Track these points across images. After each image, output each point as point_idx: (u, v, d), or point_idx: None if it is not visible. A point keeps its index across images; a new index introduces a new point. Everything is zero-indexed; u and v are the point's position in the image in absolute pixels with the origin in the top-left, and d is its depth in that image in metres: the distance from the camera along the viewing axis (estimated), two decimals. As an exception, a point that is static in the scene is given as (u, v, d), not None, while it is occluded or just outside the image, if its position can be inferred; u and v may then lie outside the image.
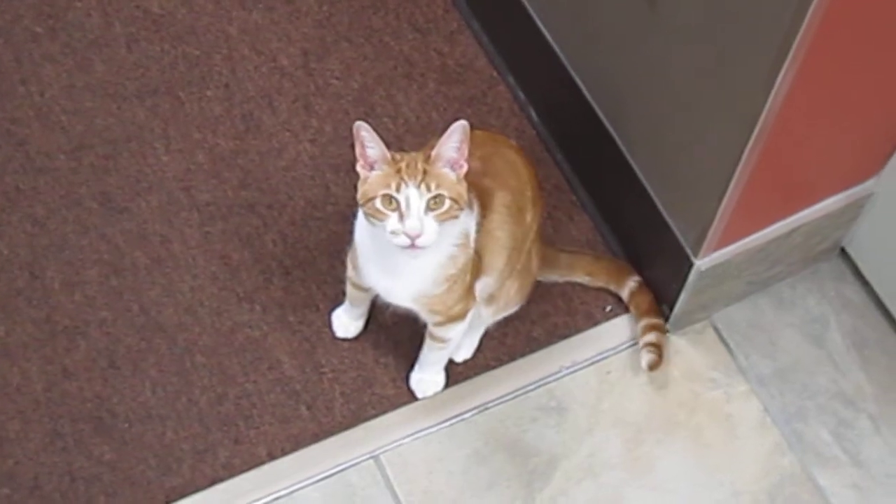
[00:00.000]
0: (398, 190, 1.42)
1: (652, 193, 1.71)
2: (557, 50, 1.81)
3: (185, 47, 1.96)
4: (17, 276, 1.78)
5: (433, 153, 1.43)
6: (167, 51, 1.95)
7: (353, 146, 1.88)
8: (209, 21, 1.98)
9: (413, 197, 1.42)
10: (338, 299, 1.77)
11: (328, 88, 1.94)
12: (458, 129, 1.42)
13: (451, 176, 1.44)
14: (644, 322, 1.76)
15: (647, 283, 1.79)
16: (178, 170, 1.87)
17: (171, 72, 1.94)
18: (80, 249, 1.81)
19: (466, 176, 1.47)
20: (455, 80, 1.96)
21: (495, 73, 1.96)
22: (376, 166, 1.44)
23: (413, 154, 1.45)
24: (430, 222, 1.43)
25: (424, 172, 1.43)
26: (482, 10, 1.99)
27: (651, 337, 1.74)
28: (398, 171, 1.43)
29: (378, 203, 1.43)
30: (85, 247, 1.81)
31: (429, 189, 1.42)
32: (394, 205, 1.42)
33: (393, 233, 1.43)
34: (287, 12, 2.00)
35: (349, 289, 1.68)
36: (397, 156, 1.45)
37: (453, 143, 1.43)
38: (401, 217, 1.42)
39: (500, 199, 1.55)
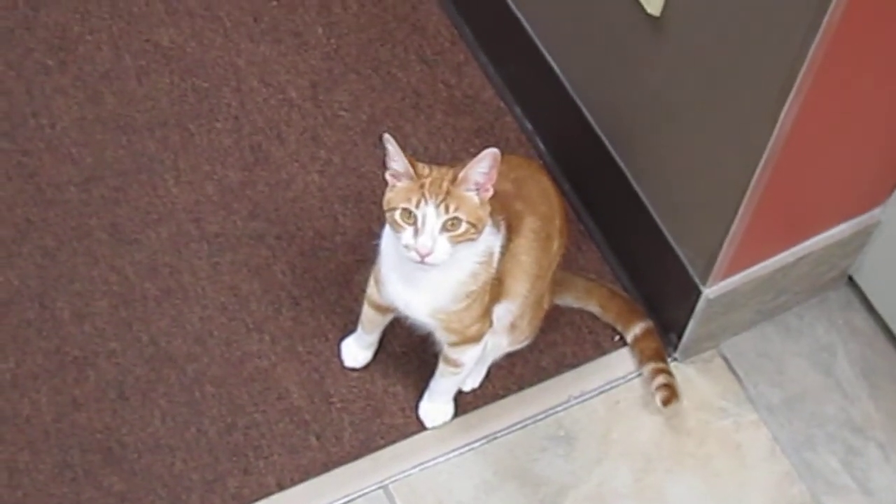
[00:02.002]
0: (417, 206, 1.44)
1: (659, 222, 1.72)
2: (564, 80, 1.82)
3: (194, 80, 1.97)
4: (27, 308, 1.79)
5: (460, 175, 1.44)
6: (177, 83, 1.97)
7: (361, 177, 1.91)
8: (218, 54, 2.00)
9: (430, 215, 1.43)
10: (347, 329, 1.78)
11: (336, 120, 1.96)
12: (488, 156, 1.43)
13: (474, 199, 1.45)
14: (650, 367, 1.76)
15: (656, 328, 1.78)
16: (187, 201, 1.88)
17: (181, 104, 1.95)
18: (89, 281, 1.81)
19: (498, 197, 1.48)
20: (462, 111, 1.97)
21: (502, 104, 1.97)
22: (400, 179, 1.46)
23: (442, 170, 1.46)
24: (442, 242, 1.44)
25: (447, 193, 1.44)
26: (488, 42, 2.00)
27: (661, 379, 1.74)
28: (421, 186, 1.44)
29: (397, 215, 1.45)
30: (95, 278, 1.82)
31: (447, 210, 1.43)
32: (412, 219, 1.44)
33: (406, 246, 1.45)
34: (295, 45, 2.01)
35: (365, 311, 1.69)
36: (426, 169, 1.46)
37: (482, 168, 1.44)
38: (416, 232, 1.44)
39: (529, 224, 1.56)
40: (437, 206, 1.43)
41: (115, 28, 2.01)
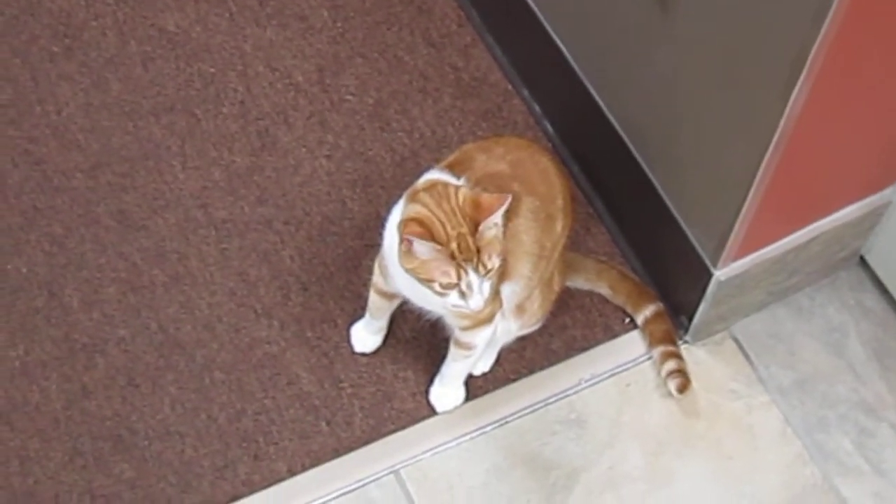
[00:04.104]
0: (460, 278, 1.45)
1: (669, 204, 1.71)
2: (572, 62, 1.81)
3: (200, 65, 1.96)
4: (35, 295, 1.79)
5: (481, 227, 1.43)
6: (182, 69, 1.96)
7: (368, 161, 1.90)
8: (223, 39, 1.99)
9: (474, 281, 1.45)
10: (356, 314, 1.77)
11: (343, 104, 1.95)
12: (504, 203, 1.44)
13: (494, 232, 1.45)
14: (660, 350, 1.75)
15: (666, 311, 1.78)
16: (194, 187, 1.87)
17: (187, 89, 1.94)
18: (98, 268, 1.81)
19: (493, 178, 1.48)
20: (470, 93, 1.96)
21: (510, 87, 1.96)
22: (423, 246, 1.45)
23: (458, 223, 1.44)
24: (486, 288, 1.46)
25: (478, 250, 1.44)
26: (496, 24, 1.99)
27: (671, 364, 1.74)
28: (452, 255, 1.43)
29: (437, 287, 1.46)
30: (103, 265, 1.81)
31: (486, 267, 1.45)
32: (454, 286, 1.45)
33: (455, 305, 1.47)
34: (301, 29, 2.00)
35: (372, 298, 1.68)
36: (443, 228, 1.43)
37: (499, 215, 1.45)
38: (463, 295, 1.46)
39: (527, 205, 1.55)
40: (477, 269, 1.45)
41: (119, 14, 2.00)
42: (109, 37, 1.98)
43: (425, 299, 1.56)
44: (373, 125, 1.93)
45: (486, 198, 1.45)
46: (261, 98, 1.95)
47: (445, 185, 1.48)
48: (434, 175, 1.52)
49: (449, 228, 1.44)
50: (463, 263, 1.44)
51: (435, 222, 1.44)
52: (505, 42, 1.98)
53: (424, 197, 1.46)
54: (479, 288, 1.46)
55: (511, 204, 1.53)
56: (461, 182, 1.50)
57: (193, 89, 1.95)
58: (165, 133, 1.91)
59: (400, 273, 1.52)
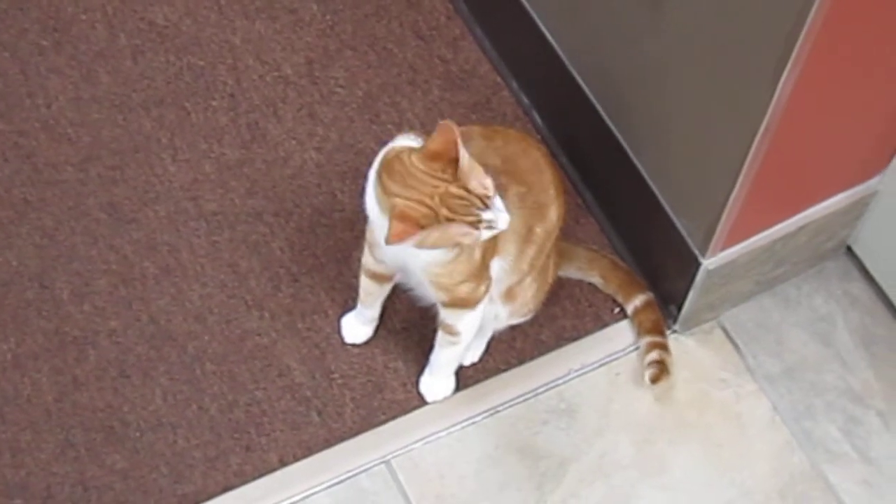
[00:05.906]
0: (477, 227, 1.43)
1: (658, 194, 1.72)
2: (560, 53, 1.82)
3: (189, 58, 1.97)
4: (26, 288, 1.79)
5: (461, 167, 1.40)
6: (172, 62, 1.96)
7: (358, 153, 1.91)
8: (213, 32, 1.99)
9: (486, 215, 1.43)
10: (346, 305, 1.78)
11: (333, 97, 1.95)
12: (456, 130, 1.40)
13: (466, 159, 1.42)
14: (647, 340, 1.76)
15: (656, 300, 1.79)
16: (184, 180, 1.88)
17: (177, 82, 1.95)
18: (88, 260, 1.81)
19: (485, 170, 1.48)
20: (459, 86, 1.96)
21: (499, 79, 1.97)
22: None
23: (437, 182, 1.41)
24: (498, 203, 1.44)
25: (467, 189, 1.42)
26: (485, 16, 2.00)
27: (653, 355, 1.75)
28: (449, 219, 1.41)
29: (466, 243, 1.45)
30: (94, 257, 1.82)
31: (487, 194, 1.42)
32: (475, 235, 1.44)
33: (489, 235, 1.46)
34: (290, 21, 2.01)
35: (363, 282, 1.69)
36: (416, 209, 1.42)
37: (460, 146, 1.42)
38: (489, 227, 1.44)
39: (514, 190, 1.55)
40: (482, 206, 1.42)
41: (109, 7, 2.00)
42: (99, 30, 1.98)
43: (413, 266, 1.55)
44: (362, 117, 1.94)
45: (439, 142, 1.40)
46: (250, 91, 1.95)
47: (398, 157, 1.44)
48: (399, 142, 1.50)
49: (427, 199, 1.41)
50: (466, 216, 1.42)
51: (415, 206, 1.42)
52: (493, 34, 1.99)
53: (392, 187, 1.44)
54: (494, 213, 1.43)
55: (497, 189, 1.53)
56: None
57: (183, 82, 1.95)
58: (155, 126, 1.91)
59: (384, 240, 1.51)
